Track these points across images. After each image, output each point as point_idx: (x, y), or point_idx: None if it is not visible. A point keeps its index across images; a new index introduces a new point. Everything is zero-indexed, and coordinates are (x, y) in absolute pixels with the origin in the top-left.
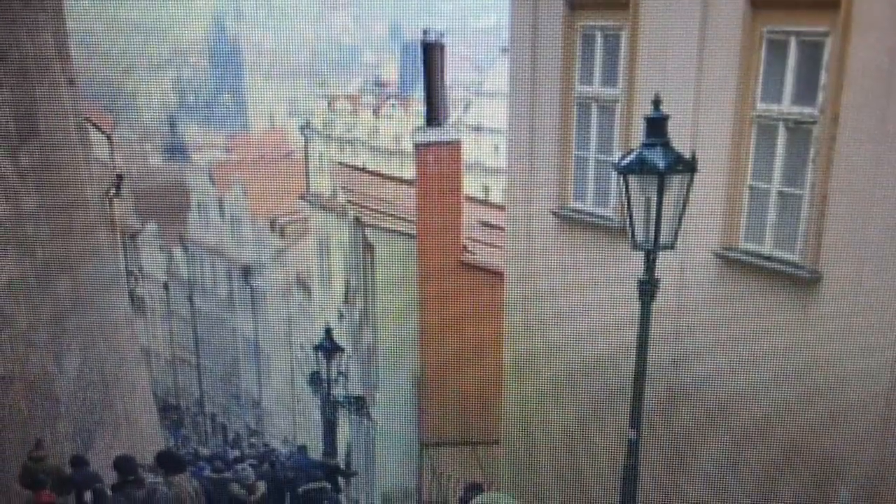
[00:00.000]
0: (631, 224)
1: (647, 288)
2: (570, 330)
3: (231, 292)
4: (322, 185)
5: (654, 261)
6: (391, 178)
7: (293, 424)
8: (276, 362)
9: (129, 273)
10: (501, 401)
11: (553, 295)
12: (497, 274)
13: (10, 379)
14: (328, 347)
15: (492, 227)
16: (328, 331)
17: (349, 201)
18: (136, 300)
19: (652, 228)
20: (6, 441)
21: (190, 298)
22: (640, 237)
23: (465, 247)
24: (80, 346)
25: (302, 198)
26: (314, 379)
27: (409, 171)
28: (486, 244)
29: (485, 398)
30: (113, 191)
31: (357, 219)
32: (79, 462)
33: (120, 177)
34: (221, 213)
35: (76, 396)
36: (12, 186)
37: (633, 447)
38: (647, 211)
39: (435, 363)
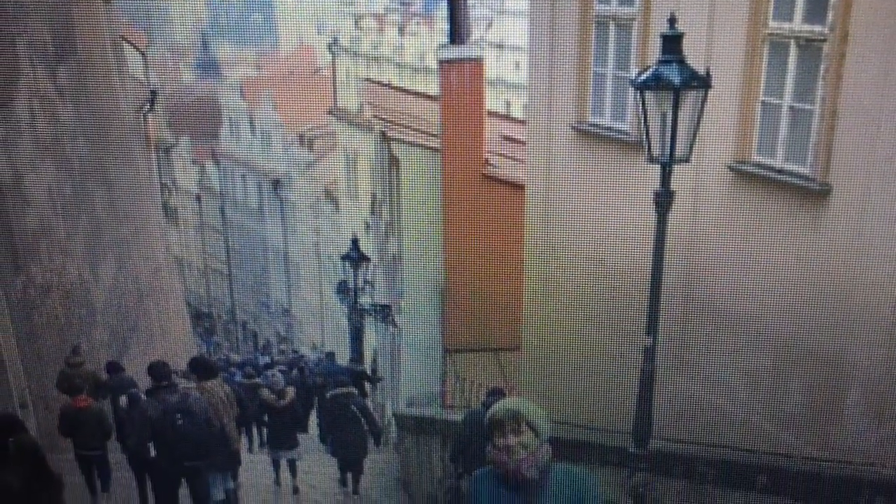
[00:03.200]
0: (647, 138)
1: (663, 200)
2: (589, 240)
3: (261, 204)
4: (349, 100)
5: (669, 173)
6: (416, 94)
7: (321, 332)
8: (304, 271)
9: (163, 185)
10: (522, 308)
11: (572, 206)
12: (518, 186)
13: (47, 287)
14: (355, 257)
15: (513, 141)
16: (355, 241)
17: (375, 116)
18: (169, 212)
19: (667, 142)
20: (44, 347)
21: (221, 210)
22: (656, 151)
23: (487, 160)
24: (115, 255)
25: (330, 113)
26: (341, 288)
27: (434, 87)
28: (507, 157)
29: (506, 306)
30: (147, 106)
31: (383, 133)
32: (114, 368)
33: (154, 93)
34: (252, 128)
35: (111, 304)
36: (50, 102)
37: (650, 354)
38: (663, 125)
39: (458, 272)
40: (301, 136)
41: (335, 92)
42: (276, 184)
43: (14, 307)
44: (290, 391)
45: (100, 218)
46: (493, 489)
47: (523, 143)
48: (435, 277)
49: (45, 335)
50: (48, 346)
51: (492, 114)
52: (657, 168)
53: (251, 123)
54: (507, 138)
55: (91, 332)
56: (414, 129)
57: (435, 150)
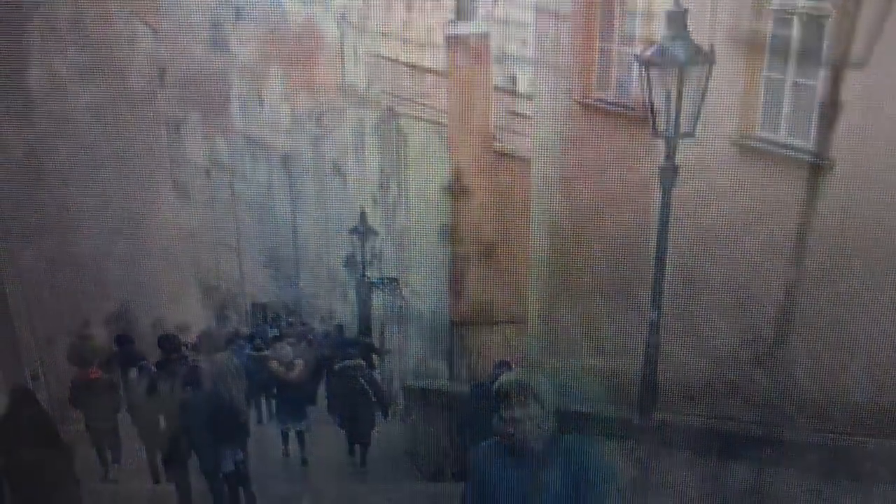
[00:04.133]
0: (652, 113)
1: (668, 174)
2: (594, 214)
3: (270, 178)
4: (357, 76)
5: (674, 148)
6: (423, 70)
7: (329, 305)
8: (312, 245)
9: (173, 160)
10: (529, 282)
11: (577, 180)
12: (524, 161)
13: (59, 261)
14: (363, 231)
15: (519, 116)
16: (363, 215)
17: (383, 91)
18: (179, 186)
19: (672, 117)
20: (55, 320)
21: (230, 184)
22: (660, 126)
23: (493, 135)
24: (126, 229)
25: (338, 88)
26: (349, 261)
27: (441, 63)
28: (514, 132)
29: (513, 279)
30: (158, 82)
31: (390, 108)
32: (124, 340)
33: (164, 69)
34: (261, 103)
35: (122, 278)
36: (61, 78)
37: (654, 327)
38: (668, 101)
39: (465, 246)
40: (309, 112)
41: (343, 68)
42: (285, 158)
43: (25, 280)
44: (299, 363)
45: (110, 192)
46: (499, 461)
47: (529, 118)
48: (442, 251)
49: (56, 308)
50: (59, 319)
51: (498, 89)
52: (662, 143)
53: (260, 99)
54: (514, 113)
55: (101, 306)
56: (421, 105)
57: (442, 125)
